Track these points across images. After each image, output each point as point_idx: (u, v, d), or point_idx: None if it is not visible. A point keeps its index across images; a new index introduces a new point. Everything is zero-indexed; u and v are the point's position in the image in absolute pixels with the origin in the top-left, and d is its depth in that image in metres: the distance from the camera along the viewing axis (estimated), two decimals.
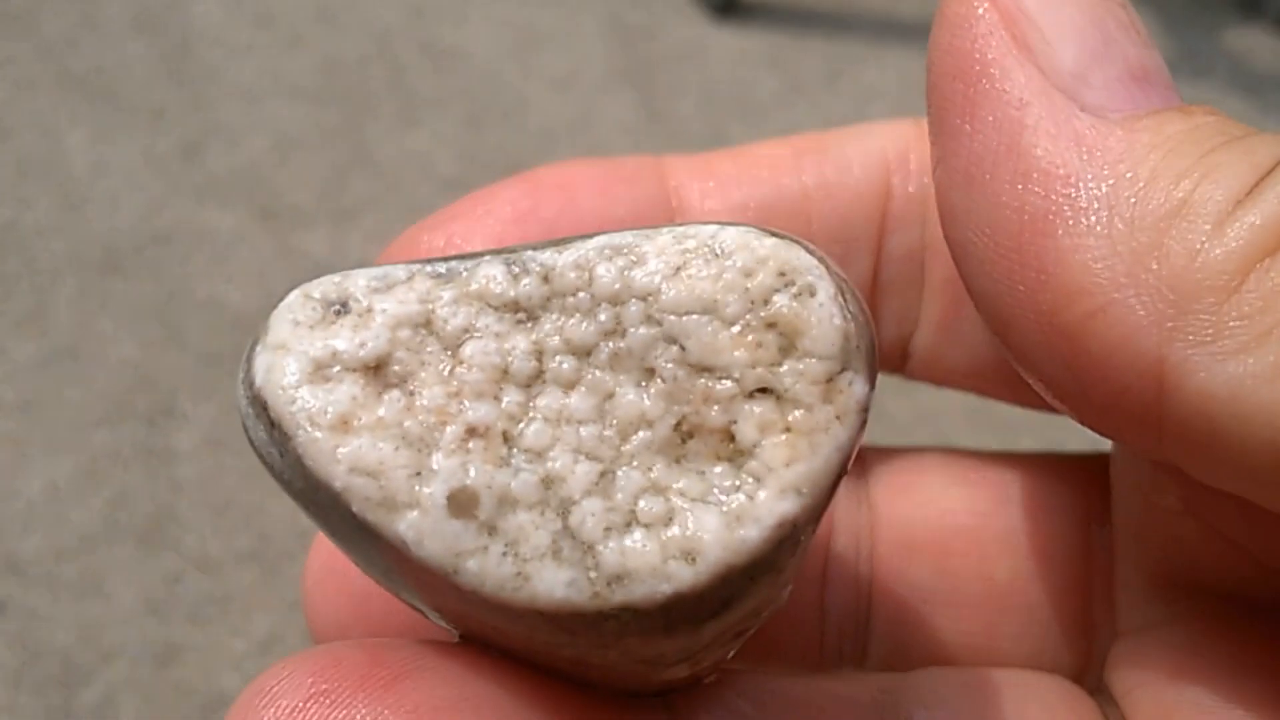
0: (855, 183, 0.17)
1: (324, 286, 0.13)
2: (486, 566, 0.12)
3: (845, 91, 0.89)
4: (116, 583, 0.66)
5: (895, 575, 0.18)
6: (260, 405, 0.12)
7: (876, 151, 0.17)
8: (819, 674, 0.16)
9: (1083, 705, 0.16)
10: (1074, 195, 0.12)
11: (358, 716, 0.12)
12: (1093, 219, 0.12)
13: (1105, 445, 0.17)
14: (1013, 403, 0.18)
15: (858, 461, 0.18)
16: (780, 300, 0.12)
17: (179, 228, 0.83)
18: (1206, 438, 0.12)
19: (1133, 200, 0.12)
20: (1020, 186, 0.13)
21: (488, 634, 0.13)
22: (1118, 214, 0.12)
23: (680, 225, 0.12)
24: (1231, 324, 0.11)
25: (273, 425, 0.12)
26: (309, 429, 0.12)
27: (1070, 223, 0.12)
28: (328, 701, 0.12)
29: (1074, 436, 0.17)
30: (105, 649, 0.63)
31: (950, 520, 0.18)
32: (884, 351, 0.18)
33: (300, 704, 0.12)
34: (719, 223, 0.12)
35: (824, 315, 0.12)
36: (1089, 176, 0.12)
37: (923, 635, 0.18)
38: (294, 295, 0.13)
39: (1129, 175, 0.12)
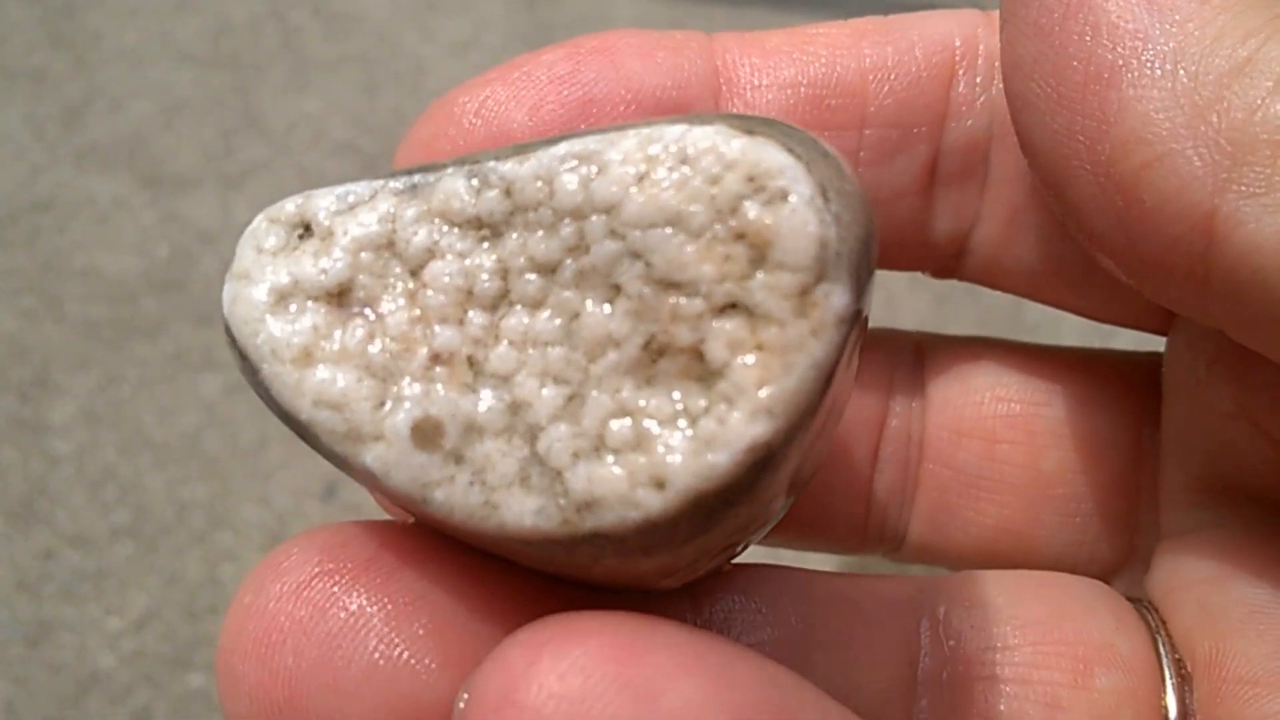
0: (917, 67, 0.16)
1: (287, 209, 0.12)
2: (454, 496, 0.11)
3: None
4: None
5: (942, 458, 0.18)
6: (230, 335, 0.12)
7: (943, 37, 0.16)
8: (851, 575, 0.16)
9: (1120, 607, 0.16)
10: (1141, 50, 0.13)
11: (357, 601, 0.12)
12: (1157, 72, 0.12)
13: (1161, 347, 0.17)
14: (1073, 310, 0.18)
15: (916, 348, 0.18)
16: (749, 208, 0.11)
17: (58, 195, 0.80)
18: (1251, 291, 0.12)
19: (1198, 56, 0.12)
20: (1089, 39, 0.13)
21: (485, 546, 0.13)
22: (1182, 68, 0.12)
23: (649, 126, 0.12)
24: None
25: (242, 356, 0.12)
26: (273, 362, 0.12)
27: (1135, 75, 0.12)
28: (331, 582, 0.12)
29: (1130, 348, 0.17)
30: None
31: (1002, 408, 0.17)
32: (938, 246, 0.17)
33: (306, 580, 0.12)
34: (690, 120, 0.12)
35: (796, 223, 0.11)
36: (1157, 33, 0.13)
37: (964, 518, 0.18)
38: (258, 220, 0.12)
39: (1196, 33, 0.12)
